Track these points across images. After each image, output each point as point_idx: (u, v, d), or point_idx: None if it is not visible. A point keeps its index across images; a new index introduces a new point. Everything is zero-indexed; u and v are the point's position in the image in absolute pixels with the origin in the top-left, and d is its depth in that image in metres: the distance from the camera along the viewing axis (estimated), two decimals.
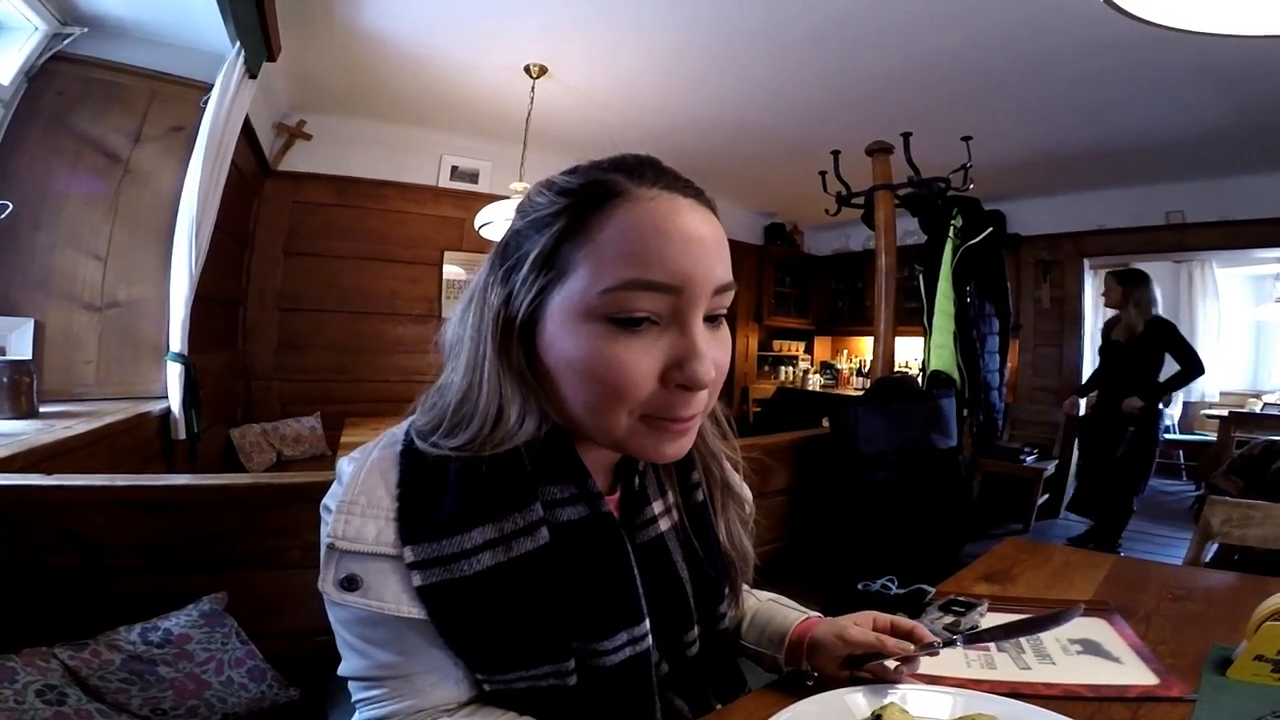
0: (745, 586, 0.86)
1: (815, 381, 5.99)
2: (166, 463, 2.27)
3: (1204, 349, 6.44)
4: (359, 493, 0.54)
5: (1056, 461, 4.44)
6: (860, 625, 0.72)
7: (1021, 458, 4.28)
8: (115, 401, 2.19)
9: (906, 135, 2.73)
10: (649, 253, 0.50)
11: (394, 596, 0.52)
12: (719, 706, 0.69)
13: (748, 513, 0.77)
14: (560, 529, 0.56)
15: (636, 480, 0.65)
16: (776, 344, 6.22)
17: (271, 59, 2.51)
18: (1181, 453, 5.90)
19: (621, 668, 0.58)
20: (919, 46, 2.67)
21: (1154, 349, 3.44)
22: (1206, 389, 6.53)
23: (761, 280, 5.96)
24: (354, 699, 0.57)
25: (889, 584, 1.03)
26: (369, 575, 0.52)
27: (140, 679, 1.22)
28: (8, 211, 2.05)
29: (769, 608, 0.82)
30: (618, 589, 0.58)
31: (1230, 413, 5.49)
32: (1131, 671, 0.80)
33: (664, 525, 0.66)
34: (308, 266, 3.74)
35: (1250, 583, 0.84)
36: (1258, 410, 5.60)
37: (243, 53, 2.27)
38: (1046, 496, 4.41)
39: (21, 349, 2.06)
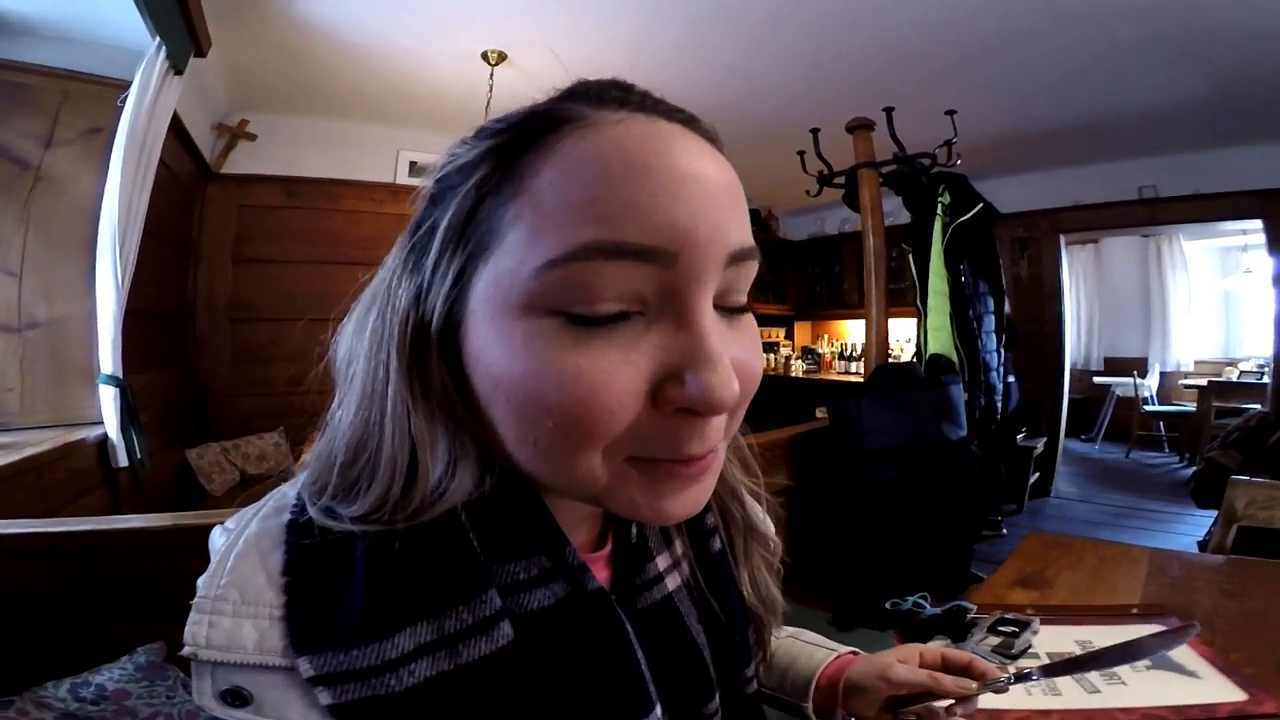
0: None
1: (798, 367, 5.96)
2: (110, 492, 2.08)
3: (1175, 320, 6.62)
4: (228, 584, 0.36)
5: (1045, 439, 4.44)
6: (906, 662, 0.57)
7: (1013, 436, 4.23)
8: (44, 430, 2.00)
9: (889, 110, 2.63)
10: (617, 199, 0.32)
11: (300, 716, 0.35)
12: None
13: (774, 553, 0.60)
14: (528, 620, 0.38)
15: (634, 530, 0.48)
16: None
17: (200, 54, 2.34)
18: (1162, 424, 5.98)
19: None
20: (889, 21, 2.58)
21: None
22: (1181, 359, 6.64)
23: None
24: None
25: (921, 601, 0.91)
26: (259, 688, 0.35)
27: None
28: None
29: (789, 646, 0.67)
30: (617, 685, 0.41)
31: (1209, 382, 5.60)
32: (1213, 688, 0.74)
33: (671, 584, 0.49)
34: (260, 273, 3.53)
35: None
36: (1234, 379, 5.70)
37: (164, 47, 2.10)
38: (1037, 475, 4.42)
39: None
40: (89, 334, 2.08)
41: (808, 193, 3.01)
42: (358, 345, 0.40)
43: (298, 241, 3.63)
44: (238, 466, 3.19)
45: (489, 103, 3.17)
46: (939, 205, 2.65)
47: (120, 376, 2.04)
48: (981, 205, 2.66)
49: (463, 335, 0.37)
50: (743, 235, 0.36)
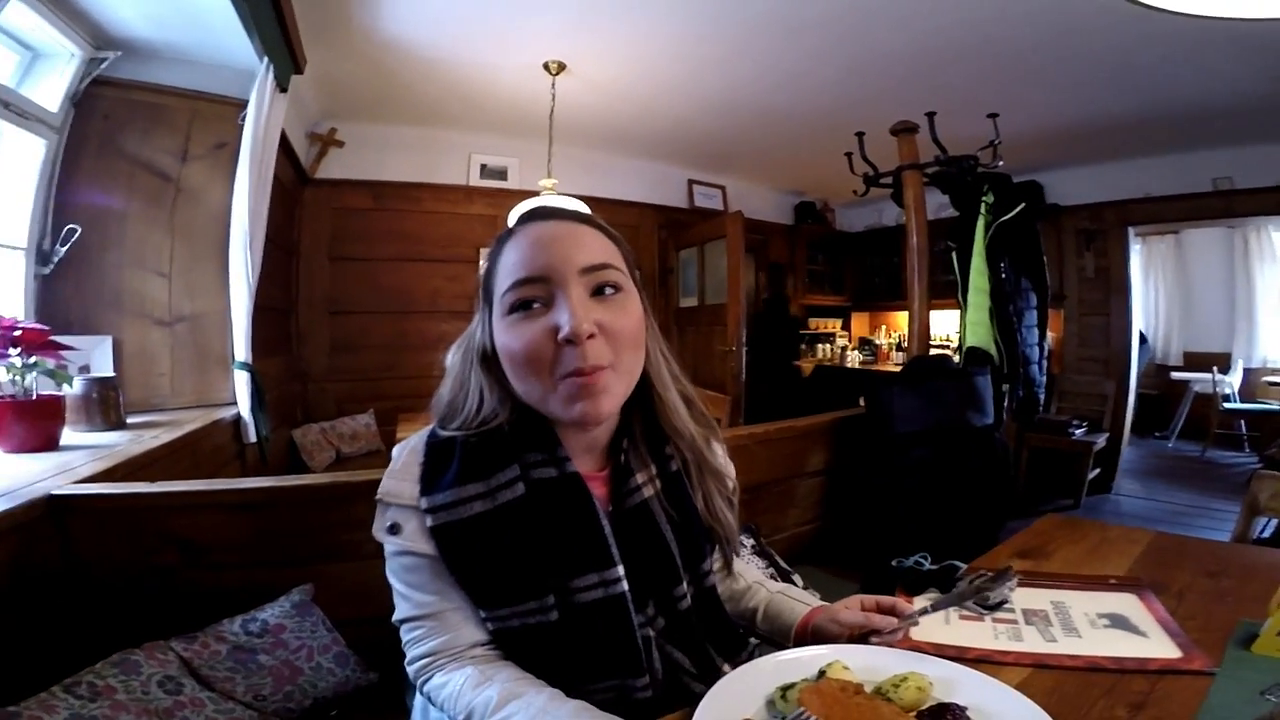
0: (758, 576, 0.98)
1: (854, 358, 5.95)
2: (241, 464, 2.42)
3: (1262, 314, 6.27)
4: (400, 466, 0.75)
5: (1107, 434, 4.33)
6: (850, 608, 0.82)
7: (1070, 431, 4.19)
8: (189, 410, 2.34)
9: (931, 115, 2.70)
10: (523, 259, 0.70)
11: (418, 538, 0.71)
12: (719, 659, 0.80)
13: (730, 488, 0.89)
14: (535, 485, 0.73)
15: (622, 456, 0.79)
16: (813, 322, 6.18)
17: (299, 71, 2.59)
18: (1243, 423, 5.70)
19: (596, 607, 0.71)
20: (939, 22, 2.63)
21: None
22: (1268, 356, 6.29)
23: (794, 259, 5.94)
24: (404, 641, 0.74)
25: (921, 560, 1.07)
26: (404, 522, 0.72)
27: (244, 667, 1.33)
28: (77, 235, 2.19)
29: (778, 602, 0.91)
30: (586, 535, 0.73)
31: None
32: (1156, 645, 0.81)
33: (647, 493, 0.79)
34: (351, 270, 3.88)
35: None
36: None
37: (271, 68, 2.34)
38: (1098, 471, 4.30)
39: (104, 366, 2.22)
40: (223, 326, 2.40)
41: (855, 193, 3.11)
42: (454, 357, 0.80)
43: (384, 241, 3.96)
44: (334, 445, 3.56)
45: (552, 110, 3.40)
46: (983, 204, 2.72)
47: (251, 363, 2.36)
48: (1023, 205, 2.71)
49: (496, 341, 0.73)
50: (589, 258, 0.71)
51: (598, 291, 0.71)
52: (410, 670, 0.74)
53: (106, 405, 1.94)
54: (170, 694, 1.19)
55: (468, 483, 0.71)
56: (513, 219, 0.81)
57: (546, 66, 3.14)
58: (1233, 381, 6.03)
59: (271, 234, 2.57)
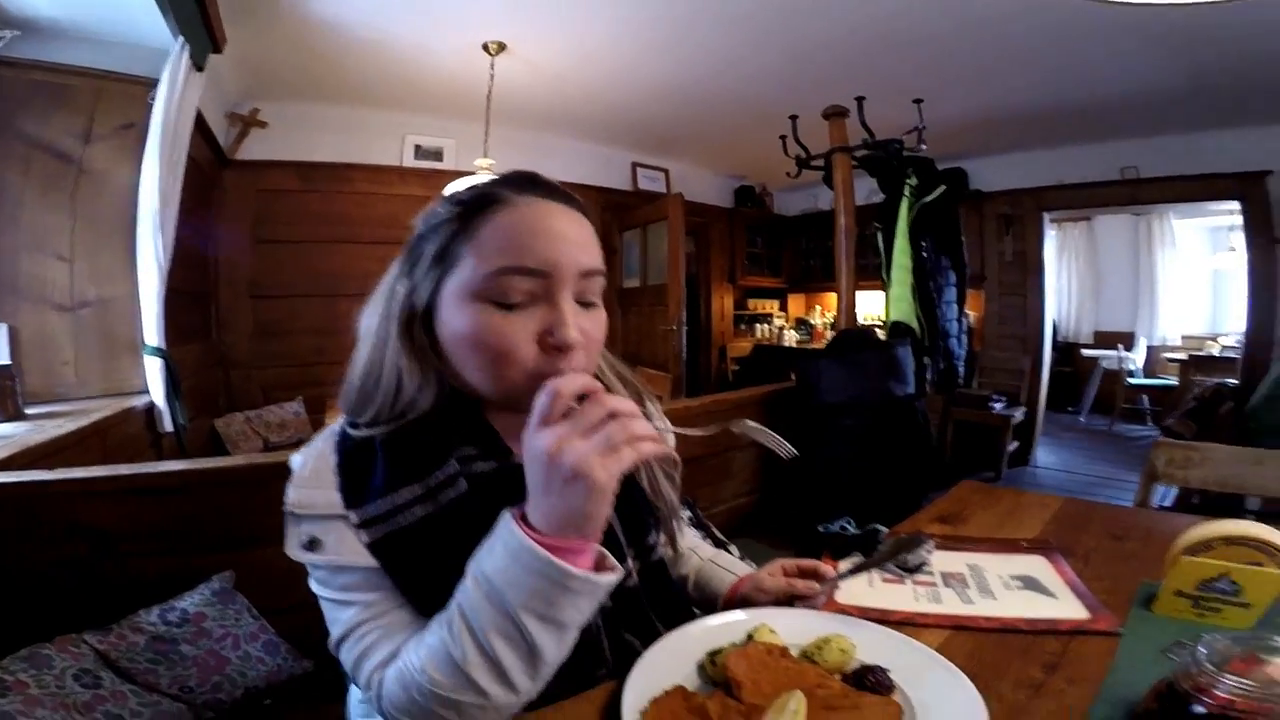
0: (693, 543, 0.97)
1: (791, 337, 6.10)
2: (157, 455, 2.31)
3: (1163, 296, 6.76)
4: (308, 473, 0.66)
5: (1024, 409, 4.58)
6: (774, 574, 0.83)
7: (990, 405, 4.40)
8: (98, 400, 2.21)
9: (860, 99, 2.79)
10: (522, 245, 0.61)
11: (351, 550, 0.62)
12: None
13: (672, 465, 0.84)
14: (475, 479, 0.66)
15: None
16: (751, 303, 6.34)
17: (217, 50, 2.48)
18: (1146, 398, 6.07)
19: None
20: (869, 11, 2.70)
21: None
22: (1168, 334, 6.78)
23: (734, 242, 6.05)
24: (352, 660, 0.62)
25: (846, 525, 1.12)
26: (326, 535, 0.63)
27: (165, 659, 1.29)
28: None
29: (708, 570, 0.91)
30: None
31: (1189, 356, 5.69)
32: (1065, 606, 0.85)
33: None
34: (278, 253, 3.73)
35: (1188, 523, 0.87)
36: (1215, 353, 5.78)
37: (186, 46, 2.25)
38: (1017, 444, 4.53)
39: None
40: (133, 311, 2.27)
41: (788, 174, 3.18)
42: (370, 321, 0.68)
43: (311, 223, 3.81)
44: (261, 435, 3.41)
45: (490, 91, 3.32)
46: (907, 187, 2.85)
47: (164, 348, 2.25)
48: (944, 188, 2.85)
49: (436, 314, 0.65)
50: (590, 262, 0.64)
51: (584, 301, 0.66)
52: (369, 694, 0.62)
53: (2, 395, 1.81)
54: (88, 687, 1.16)
55: (402, 486, 0.63)
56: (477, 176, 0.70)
57: (486, 47, 3.07)
58: (1137, 358, 6.49)
59: (186, 216, 2.46)
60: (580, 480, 0.51)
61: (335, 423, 0.71)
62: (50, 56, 2.30)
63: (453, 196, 0.67)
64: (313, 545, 0.63)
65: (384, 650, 0.61)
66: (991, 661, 0.72)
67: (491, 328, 0.61)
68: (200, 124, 2.84)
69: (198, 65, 2.36)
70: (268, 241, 3.71)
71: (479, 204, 0.64)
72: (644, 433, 0.54)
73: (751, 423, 0.71)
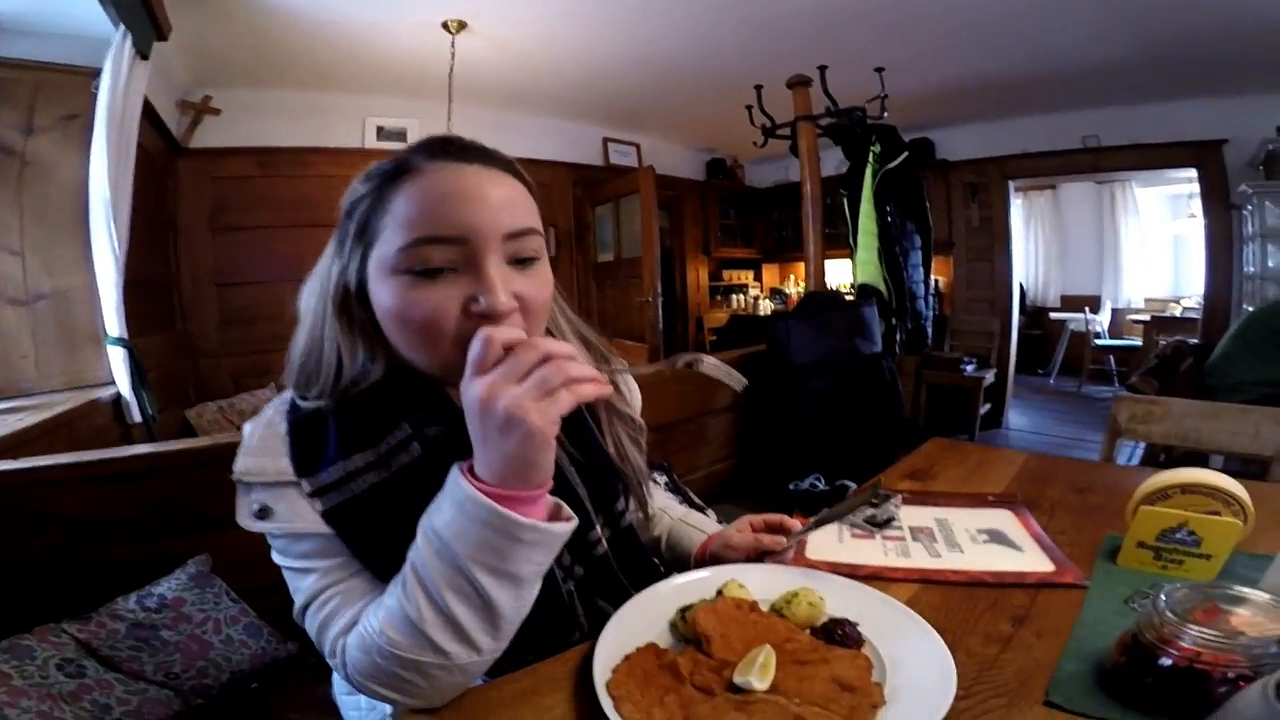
0: (663, 504, 0.97)
1: (766, 307, 6.16)
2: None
3: (1127, 261, 6.93)
4: (258, 441, 0.64)
5: (995, 370, 4.67)
6: (741, 531, 0.84)
7: (962, 367, 4.46)
8: (62, 393, 2.16)
9: (823, 68, 2.80)
10: (434, 213, 0.59)
11: (304, 517, 0.61)
12: None
13: (637, 430, 0.84)
14: (429, 443, 0.65)
15: None
16: (726, 274, 6.39)
17: (162, 38, 2.41)
18: (1112, 358, 6.20)
19: None
20: None
21: None
22: (1132, 297, 6.96)
23: (706, 214, 6.06)
24: (316, 628, 0.62)
25: (816, 482, 1.14)
26: (277, 503, 0.62)
27: (147, 645, 1.29)
28: None
29: (678, 530, 0.92)
30: None
31: (1153, 317, 5.83)
32: (1031, 559, 0.86)
33: None
34: (240, 240, 3.65)
35: (1150, 476, 0.87)
36: (1177, 314, 5.93)
37: (129, 35, 2.18)
38: (989, 406, 4.61)
39: None
40: (92, 303, 2.22)
41: (755, 143, 3.19)
42: (308, 301, 0.67)
43: (273, 208, 3.72)
44: (234, 423, 3.36)
45: (452, 69, 3.25)
46: (871, 154, 2.88)
47: (127, 338, 2.20)
48: (906, 154, 2.89)
49: (369, 291, 0.63)
50: (515, 222, 0.61)
51: (518, 260, 0.62)
52: (334, 663, 0.61)
53: None
54: (72, 677, 1.15)
55: (354, 453, 0.62)
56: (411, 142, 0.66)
57: (446, 25, 3.00)
58: (1103, 320, 6.65)
59: (140, 206, 2.40)
60: (516, 426, 0.50)
61: (285, 392, 0.69)
62: None
63: (368, 170, 0.65)
64: (264, 514, 0.62)
65: (345, 617, 0.61)
66: (960, 615, 0.73)
67: (414, 301, 0.59)
68: (150, 113, 2.77)
69: (142, 54, 2.30)
70: (228, 229, 3.62)
71: (391, 175, 0.62)
72: (581, 374, 0.53)
73: (706, 357, 0.70)
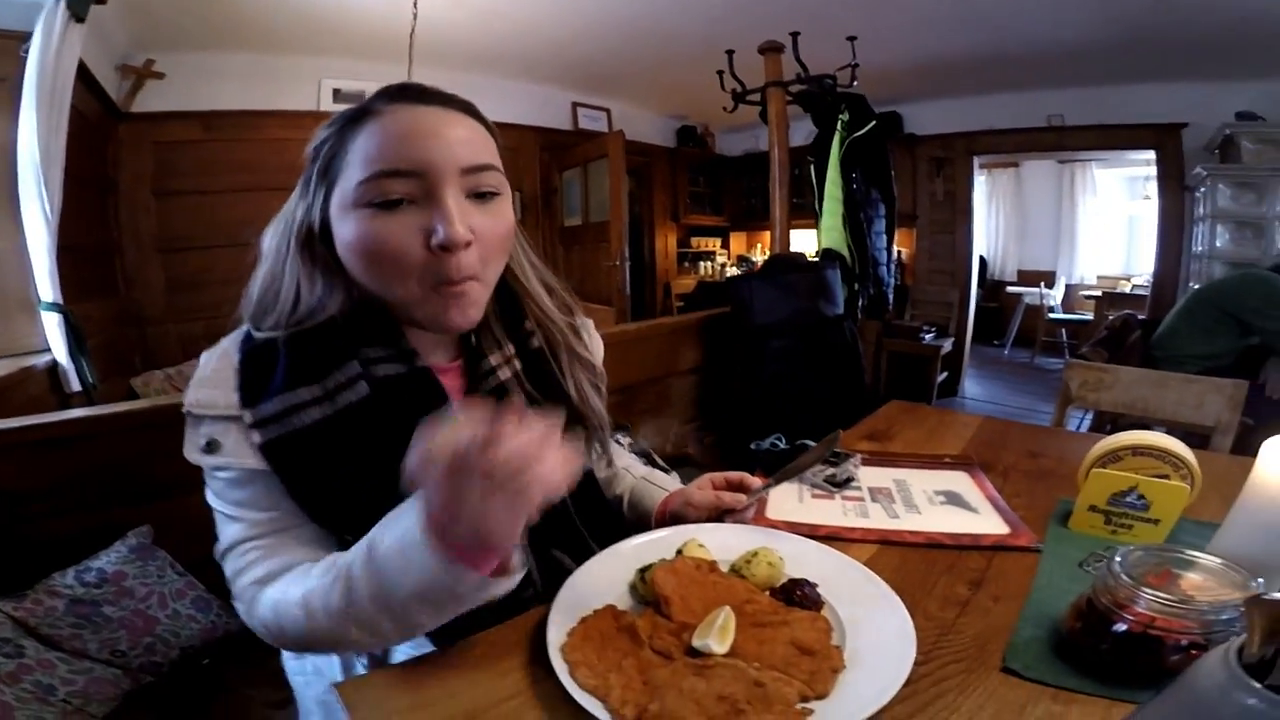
0: (626, 463, 0.96)
1: (733, 274, 6.15)
2: None
3: (1082, 239, 7.11)
4: (211, 371, 0.65)
5: (953, 339, 4.80)
6: (702, 489, 0.83)
7: (921, 336, 4.57)
8: None
9: (795, 35, 2.77)
10: (393, 149, 0.60)
11: (243, 452, 0.61)
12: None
13: (599, 377, 0.84)
14: (379, 384, 0.65)
15: (474, 338, 0.73)
16: (695, 241, 6.40)
17: (100, 1, 2.25)
18: (1064, 331, 6.39)
19: None
20: None
21: None
22: (1085, 274, 7.17)
23: (676, 181, 6.04)
24: (231, 572, 0.64)
25: (777, 441, 1.14)
26: (223, 437, 0.62)
27: (89, 622, 1.23)
28: None
29: (640, 489, 0.91)
30: None
31: (1104, 293, 6.08)
32: (986, 521, 0.87)
33: (504, 375, 0.73)
34: (183, 205, 3.49)
35: (1098, 441, 0.88)
36: (1127, 291, 6.17)
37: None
38: (946, 374, 4.75)
39: None
40: (22, 268, 2.09)
41: (725, 109, 3.16)
42: (271, 241, 0.68)
43: (220, 173, 3.57)
44: (182, 391, 3.24)
45: (413, 30, 3.12)
46: (839, 121, 2.87)
47: (61, 303, 2.08)
48: (875, 123, 2.90)
49: (333, 230, 0.64)
50: (472, 158, 0.62)
51: (477, 194, 0.63)
52: (241, 605, 0.63)
53: None
54: (10, 657, 1.10)
55: (299, 386, 0.62)
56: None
57: None
58: (1057, 295, 6.86)
59: (75, 171, 2.27)
60: (483, 541, 0.49)
61: (243, 326, 0.69)
62: None
63: (332, 117, 0.66)
64: (210, 448, 0.62)
65: (261, 569, 0.62)
66: (918, 576, 0.73)
67: (373, 232, 0.60)
68: (86, 77, 2.62)
69: (77, 16, 2.15)
70: (172, 194, 3.46)
71: (353, 118, 0.63)
72: (551, 474, 0.48)
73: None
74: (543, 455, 0.47)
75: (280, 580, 0.61)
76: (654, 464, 1.92)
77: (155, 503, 1.35)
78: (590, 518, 0.78)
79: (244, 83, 3.64)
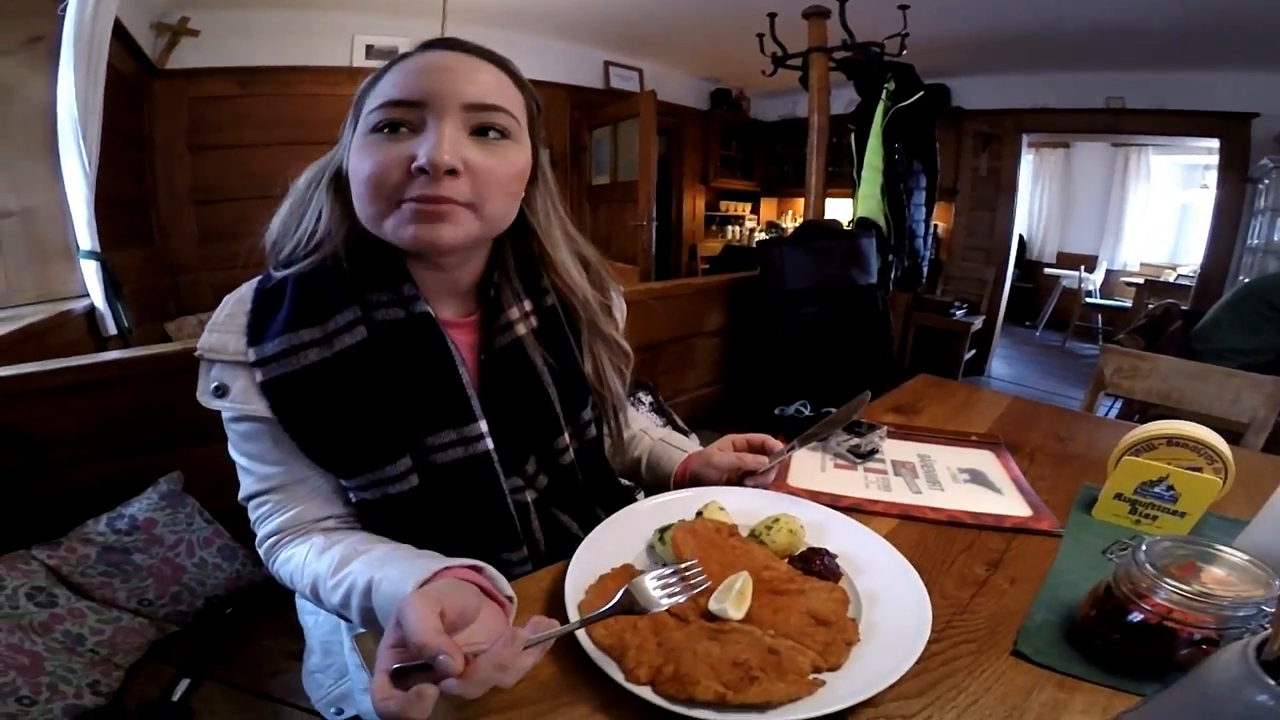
0: (644, 425, 0.95)
1: (762, 239, 6.10)
2: None
3: (1129, 224, 6.86)
4: (224, 316, 0.66)
5: (984, 317, 4.70)
6: (723, 450, 0.82)
7: (952, 312, 4.48)
8: (31, 306, 2.10)
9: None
10: (403, 82, 0.62)
11: (249, 397, 0.63)
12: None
13: (624, 363, 0.83)
14: (379, 328, 0.65)
15: (492, 291, 0.72)
16: (723, 205, 6.30)
17: None
18: (1100, 317, 6.21)
19: (457, 469, 0.66)
20: None
21: None
22: (1129, 260, 6.92)
23: (707, 144, 5.95)
24: (252, 520, 0.68)
25: (801, 408, 1.13)
26: (231, 381, 0.64)
27: (119, 570, 1.25)
28: None
29: (659, 450, 0.90)
30: (440, 387, 0.66)
31: (1145, 280, 5.86)
32: (1009, 502, 0.86)
33: (520, 330, 0.72)
34: (219, 158, 3.54)
35: (1131, 429, 0.86)
36: (1171, 280, 5.92)
37: None
38: (974, 352, 4.66)
39: None
40: (63, 219, 2.14)
41: (764, 73, 3.07)
42: (301, 179, 0.69)
43: (255, 127, 3.61)
44: None
45: None
46: (884, 91, 2.78)
47: (99, 251, 2.13)
48: (922, 94, 2.79)
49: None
50: (479, 95, 0.62)
51: (480, 131, 0.63)
52: (260, 551, 0.68)
53: None
54: (43, 606, 1.12)
55: (300, 328, 0.63)
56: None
57: None
58: (1096, 280, 6.64)
59: (113, 126, 2.30)
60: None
61: (264, 271, 0.70)
62: None
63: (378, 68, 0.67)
64: (219, 391, 0.64)
65: (274, 522, 0.66)
66: (937, 554, 0.73)
67: (367, 154, 0.61)
68: (122, 34, 2.65)
69: None
70: (207, 148, 3.52)
71: (389, 63, 0.65)
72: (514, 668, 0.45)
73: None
74: (511, 667, 0.44)
75: (295, 544, 0.65)
76: (674, 425, 1.91)
77: (184, 448, 1.36)
78: (594, 482, 0.78)
79: (279, 39, 3.66)
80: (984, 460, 1.01)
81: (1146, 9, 3.19)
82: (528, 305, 0.74)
